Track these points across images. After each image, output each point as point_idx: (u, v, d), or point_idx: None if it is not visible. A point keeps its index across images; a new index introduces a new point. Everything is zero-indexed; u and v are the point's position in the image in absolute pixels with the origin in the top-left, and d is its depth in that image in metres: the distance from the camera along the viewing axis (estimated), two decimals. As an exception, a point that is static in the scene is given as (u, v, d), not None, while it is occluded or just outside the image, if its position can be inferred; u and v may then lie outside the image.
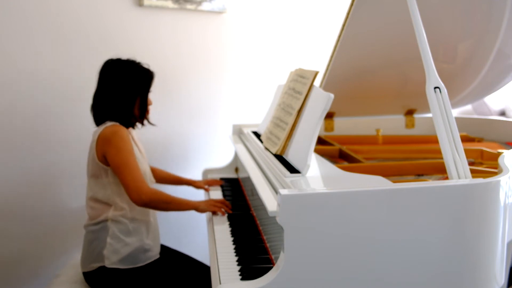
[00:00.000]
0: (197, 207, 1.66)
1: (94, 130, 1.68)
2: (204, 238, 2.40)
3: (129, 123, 1.69)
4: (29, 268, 2.16)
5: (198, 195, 2.27)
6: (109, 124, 1.62)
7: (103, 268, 1.58)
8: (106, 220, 1.61)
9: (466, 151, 1.24)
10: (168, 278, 1.63)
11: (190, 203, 1.66)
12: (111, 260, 1.57)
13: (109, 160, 1.57)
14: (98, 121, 1.68)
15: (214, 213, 1.70)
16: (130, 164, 1.55)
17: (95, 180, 1.63)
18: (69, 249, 2.21)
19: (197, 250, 2.44)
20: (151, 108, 1.78)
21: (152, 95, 1.75)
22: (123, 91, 1.64)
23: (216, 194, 1.97)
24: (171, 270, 1.68)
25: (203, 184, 2.05)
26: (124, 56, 1.70)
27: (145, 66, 1.71)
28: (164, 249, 1.80)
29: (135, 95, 1.67)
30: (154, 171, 1.98)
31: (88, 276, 1.62)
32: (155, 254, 1.68)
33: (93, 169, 1.63)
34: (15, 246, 2.11)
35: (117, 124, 1.63)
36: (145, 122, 1.77)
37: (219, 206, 1.69)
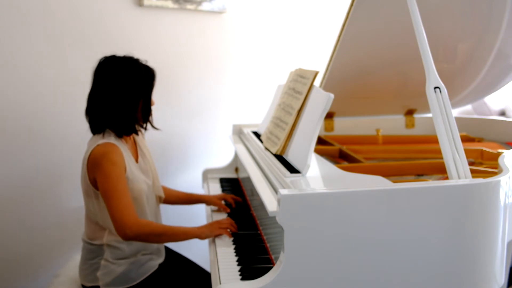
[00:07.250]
0: (199, 234, 1.48)
1: (89, 139, 1.56)
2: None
3: (132, 129, 1.54)
4: (29, 268, 2.15)
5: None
6: (101, 141, 1.47)
7: None
8: (101, 245, 1.53)
9: (466, 151, 1.24)
10: None
11: (190, 232, 1.48)
12: (105, 281, 1.50)
13: (98, 185, 1.45)
14: (95, 128, 1.52)
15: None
16: (117, 192, 1.41)
17: (87, 198, 1.53)
18: (69, 249, 2.20)
19: (197, 250, 2.43)
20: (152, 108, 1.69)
21: (152, 95, 1.64)
22: (124, 94, 1.48)
23: (216, 188, 1.97)
24: (169, 281, 1.61)
25: (218, 200, 1.81)
26: (120, 53, 1.55)
27: (144, 62, 1.55)
28: (166, 252, 1.75)
29: (137, 98, 1.51)
30: (164, 190, 1.81)
31: None
32: (154, 265, 1.60)
33: (85, 187, 1.52)
34: (15, 246, 2.10)
35: (110, 142, 1.47)
36: (149, 126, 1.62)
37: (224, 227, 1.53)
